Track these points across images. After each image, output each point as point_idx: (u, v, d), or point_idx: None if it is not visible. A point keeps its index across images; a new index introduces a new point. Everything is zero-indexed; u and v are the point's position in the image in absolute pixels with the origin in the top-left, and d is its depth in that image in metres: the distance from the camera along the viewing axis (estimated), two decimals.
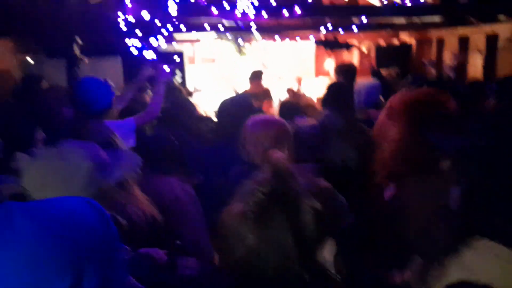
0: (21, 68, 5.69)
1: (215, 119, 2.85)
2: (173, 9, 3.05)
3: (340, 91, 2.89)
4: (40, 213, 0.73)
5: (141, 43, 3.61)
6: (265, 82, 5.41)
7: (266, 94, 4.95)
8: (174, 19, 3.85)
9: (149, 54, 3.33)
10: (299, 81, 7.13)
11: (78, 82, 2.78)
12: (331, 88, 2.94)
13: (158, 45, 3.52)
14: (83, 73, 3.01)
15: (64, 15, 4.31)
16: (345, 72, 3.95)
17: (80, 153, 1.28)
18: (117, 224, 0.87)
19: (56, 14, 4.50)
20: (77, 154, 1.28)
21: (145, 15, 3.40)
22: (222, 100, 2.67)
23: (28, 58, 6.23)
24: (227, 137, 2.26)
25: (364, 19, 4.83)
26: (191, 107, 3.11)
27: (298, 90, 6.46)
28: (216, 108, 2.74)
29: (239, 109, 2.48)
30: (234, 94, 4.93)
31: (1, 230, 0.68)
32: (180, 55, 6.71)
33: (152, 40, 3.48)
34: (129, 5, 3.48)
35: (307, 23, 6.25)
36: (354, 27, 5.40)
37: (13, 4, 4.10)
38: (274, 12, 4.18)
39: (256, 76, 5.05)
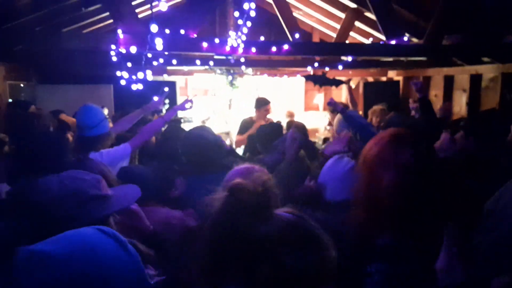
0: (11, 94, 5.73)
1: None
2: (159, 45, 3.12)
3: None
4: (59, 262, 0.72)
5: (130, 74, 3.70)
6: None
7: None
8: (165, 53, 3.95)
9: (138, 86, 3.41)
10: (291, 115, 7.22)
11: (80, 109, 2.88)
12: None
13: (145, 77, 3.60)
14: (79, 98, 3.13)
15: (61, 45, 4.40)
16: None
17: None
18: (138, 250, 0.86)
19: (54, 44, 4.59)
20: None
21: (132, 49, 3.48)
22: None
23: (21, 85, 6.29)
24: None
25: (349, 58, 4.97)
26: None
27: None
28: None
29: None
30: (225, 125, 5.04)
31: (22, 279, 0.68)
32: (173, 85, 6.81)
33: (140, 73, 3.56)
34: (121, 37, 3.55)
35: (296, 60, 6.42)
36: (340, 66, 5.54)
37: (8, 32, 4.17)
38: (263, 49, 4.30)
39: (265, 103, 5.05)
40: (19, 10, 4.02)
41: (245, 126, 4.96)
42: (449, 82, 6.59)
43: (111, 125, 3.26)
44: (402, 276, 1.24)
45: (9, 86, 5.89)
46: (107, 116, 3.08)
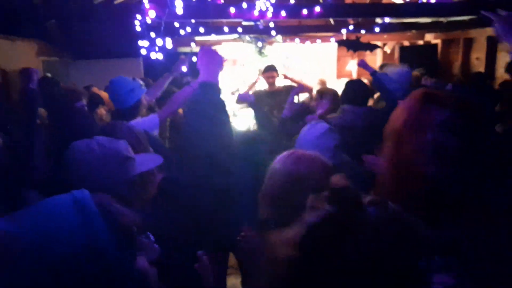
0: (45, 70, 5.84)
1: None
2: (179, 8, 3.03)
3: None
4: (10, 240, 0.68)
5: (155, 45, 3.66)
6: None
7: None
8: (192, 21, 3.85)
9: (158, 55, 3.37)
10: (323, 83, 7.02)
11: (110, 82, 2.91)
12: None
13: (164, 45, 3.55)
14: (109, 73, 3.17)
15: (90, 20, 4.38)
16: None
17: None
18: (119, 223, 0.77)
19: (82, 19, 4.58)
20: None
21: (153, 13, 3.42)
22: None
23: (51, 60, 6.39)
24: None
25: (387, 19, 4.70)
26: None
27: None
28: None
29: None
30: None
31: None
32: None
33: (165, 41, 3.50)
34: (147, 6, 3.48)
35: (328, 24, 6.17)
36: (376, 28, 5.26)
37: (40, 9, 4.17)
38: (294, 12, 4.12)
39: (267, 69, 4.99)
40: None
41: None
42: (492, 44, 6.19)
43: None
44: None
45: (42, 62, 6.00)
46: (142, 86, 3.09)
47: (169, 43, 3.49)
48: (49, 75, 4.89)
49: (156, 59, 4.02)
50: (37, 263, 0.66)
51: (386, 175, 1.24)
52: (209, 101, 1.88)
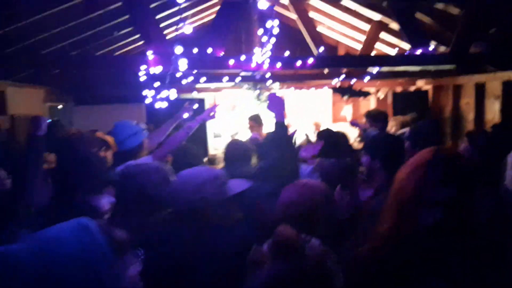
0: (50, 115, 6.05)
1: None
2: (183, 65, 3.27)
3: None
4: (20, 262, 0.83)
5: (157, 93, 3.88)
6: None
7: None
8: (194, 71, 4.10)
9: (162, 104, 3.57)
10: (318, 126, 7.24)
11: (114, 125, 3.08)
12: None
13: (168, 95, 3.78)
14: (112, 118, 3.34)
15: (91, 68, 4.64)
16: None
17: None
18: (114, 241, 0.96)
19: (84, 68, 4.85)
20: None
21: (157, 69, 3.66)
22: None
23: (58, 106, 6.63)
24: None
25: (375, 70, 4.97)
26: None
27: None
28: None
29: None
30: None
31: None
32: (202, 102, 6.99)
33: (164, 92, 3.73)
34: (151, 58, 3.72)
35: (322, 73, 6.46)
36: (366, 77, 5.54)
37: (46, 58, 4.43)
38: (289, 64, 4.38)
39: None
40: (56, 36, 4.28)
41: None
42: (480, 90, 6.44)
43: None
44: None
45: (48, 108, 6.23)
46: (144, 130, 3.26)
47: (173, 94, 3.71)
48: (56, 119, 5.10)
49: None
50: (53, 275, 0.81)
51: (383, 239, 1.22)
52: (283, 135, 2.41)
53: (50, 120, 5.59)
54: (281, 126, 2.41)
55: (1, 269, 0.81)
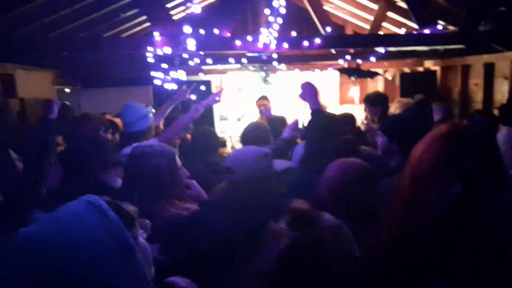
0: (58, 99, 6.09)
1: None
2: (191, 45, 3.28)
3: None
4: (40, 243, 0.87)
5: (167, 75, 3.90)
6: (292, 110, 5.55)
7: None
8: (200, 53, 4.10)
9: (172, 85, 3.61)
10: (324, 108, 7.22)
11: (125, 107, 3.13)
12: None
13: (177, 77, 3.81)
14: (119, 101, 3.39)
15: (99, 51, 4.64)
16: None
17: None
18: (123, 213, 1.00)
19: (92, 50, 4.86)
20: None
21: (166, 49, 3.67)
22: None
23: (66, 89, 6.66)
24: None
25: (382, 50, 4.93)
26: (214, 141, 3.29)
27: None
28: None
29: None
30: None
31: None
32: (208, 84, 6.99)
33: (173, 72, 3.75)
34: (158, 39, 3.73)
35: (329, 53, 6.43)
36: (372, 58, 5.49)
37: (54, 41, 4.44)
38: (295, 44, 4.36)
39: (259, 98, 5.34)
40: (64, 18, 4.28)
41: None
42: (489, 70, 6.38)
43: None
44: None
45: (56, 91, 6.27)
46: (151, 114, 3.31)
47: (182, 75, 3.73)
48: (67, 103, 5.14)
49: (166, 88, 4.25)
50: (69, 252, 0.85)
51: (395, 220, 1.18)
52: (320, 121, 2.52)
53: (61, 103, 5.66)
54: (317, 113, 2.51)
55: (18, 251, 0.85)
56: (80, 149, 2.46)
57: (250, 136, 3.01)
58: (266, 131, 3.06)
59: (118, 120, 4.09)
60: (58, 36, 4.53)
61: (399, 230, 1.16)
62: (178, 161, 2.04)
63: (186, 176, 2.09)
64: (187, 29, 2.66)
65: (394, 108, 5.02)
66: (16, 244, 0.85)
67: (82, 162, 2.38)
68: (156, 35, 3.77)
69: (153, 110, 3.36)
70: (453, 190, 1.06)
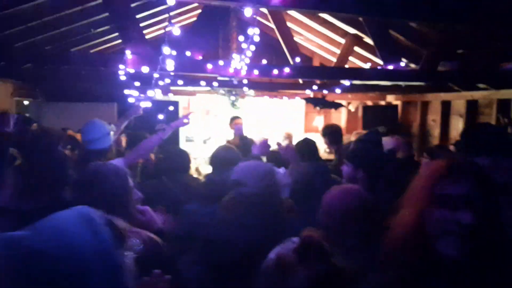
0: (18, 111, 5.87)
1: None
2: (170, 65, 3.28)
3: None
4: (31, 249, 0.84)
5: (138, 92, 3.87)
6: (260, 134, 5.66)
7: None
8: (171, 73, 4.10)
9: (145, 104, 3.58)
10: (289, 136, 7.34)
11: (87, 123, 3.04)
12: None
13: (153, 95, 3.78)
14: (83, 116, 3.30)
15: (65, 65, 4.56)
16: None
17: None
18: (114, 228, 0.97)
19: (57, 63, 4.76)
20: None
21: (144, 69, 3.65)
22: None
23: (25, 101, 6.44)
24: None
25: (347, 83, 5.12)
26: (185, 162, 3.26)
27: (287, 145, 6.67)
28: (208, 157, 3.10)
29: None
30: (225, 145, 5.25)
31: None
32: (176, 104, 6.97)
33: (148, 91, 3.73)
34: (129, 57, 3.70)
35: (296, 83, 6.60)
36: (337, 89, 5.69)
37: (19, 52, 4.32)
38: (266, 71, 4.45)
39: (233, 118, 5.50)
40: (31, 30, 4.18)
41: None
42: (446, 107, 6.74)
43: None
44: None
45: (15, 103, 6.05)
46: (113, 132, 3.23)
47: (158, 93, 3.72)
48: (27, 115, 4.97)
49: (130, 106, 4.20)
50: (56, 264, 0.82)
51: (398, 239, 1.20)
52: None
53: (17, 116, 5.45)
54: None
55: (14, 253, 0.82)
56: (39, 164, 2.36)
57: (220, 158, 3.00)
58: (236, 154, 3.07)
59: (79, 136, 3.97)
60: (23, 47, 4.42)
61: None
62: (131, 182, 1.98)
63: (138, 197, 2.03)
64: (166, 50, 2.67)
65: (349, 140, 5.21)
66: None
67: (41, 177, 2.28)
68: (128, 54, 3.74)
69: (113, 127, 3.28)
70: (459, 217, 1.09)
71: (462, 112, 6.32)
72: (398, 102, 7.99)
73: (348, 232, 1.68)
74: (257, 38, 3.17)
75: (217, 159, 2.95)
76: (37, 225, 0.89)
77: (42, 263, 0.81)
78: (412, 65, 5.60)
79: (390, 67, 4.61)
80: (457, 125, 6.47)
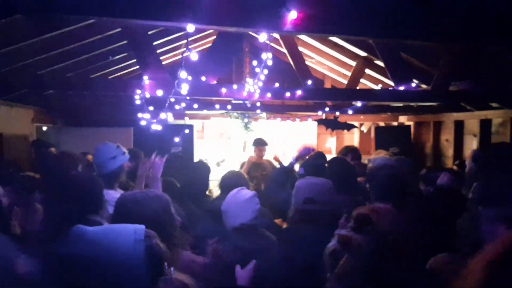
0: (37, 136, 6.05)
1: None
2: (184, 90, 3.40)
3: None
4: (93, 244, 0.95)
5: (151, 117, 4.00)
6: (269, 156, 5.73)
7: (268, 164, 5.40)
8: (186, 97, 4.23)
9: (157, 127, 3.69)
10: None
11: (95, 148, 3.08)
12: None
13: (166, 119, 3.92)
14: (99, 141, 3.31)
15: (86, 91, 4.72)
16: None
17: None
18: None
19: (79, 90, 4.93)
20: None
21: (159, 92, 3.78)
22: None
23: (44, 127, 6.62)
24: None
25: (359, 103, 5.19)
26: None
27: None
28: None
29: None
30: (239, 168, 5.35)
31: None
32: (191, 128, 7.11)
33: (163, 115, 3.86)
34: (147, 82, 3.84)
35: (308, 105, 6.69)
36: (349, 111, 5.76)
37: (42, 79, 4.49)
38: (278, 94, 4.56)
39: (259, 143, 5.59)
40: (54, 58, 4.37)
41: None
42: (459, 127, 6.73)
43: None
44: None
45: (35, 127, 6.23)
46: (125, 153, 3.21)
47: (170, 117, 3.83)
48: (45, 140, 5.11)
49: (146, 130, 4.30)
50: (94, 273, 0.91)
51: None
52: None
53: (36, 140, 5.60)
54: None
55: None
56: (72, 189, 2.36)
57: (228, 183, 3.10)
58: (244, 179, 3.21)
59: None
60: (46, 74, 4.60)
61: None
62: (173, 208, 1.97)
63: (178, 223, 1.99)
64: (183, 74, 2.78)
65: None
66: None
67: (74, 202, 2.21)
68: (145, 79, 3.89)
69: (125, 150, 3.26)
70: None
71: (475, 131, 6.31)
72: (410, 123, 8.00)
73: None
74: (270, 62, 3.27)
75: (226, 184, 3.07)
76: (92, 230, 0.99)
77: (86, 267, 0.89)
78: (424, 86, 5.65)
79: (402, 88, 4.66)
80: (471, 145, 6.45)
